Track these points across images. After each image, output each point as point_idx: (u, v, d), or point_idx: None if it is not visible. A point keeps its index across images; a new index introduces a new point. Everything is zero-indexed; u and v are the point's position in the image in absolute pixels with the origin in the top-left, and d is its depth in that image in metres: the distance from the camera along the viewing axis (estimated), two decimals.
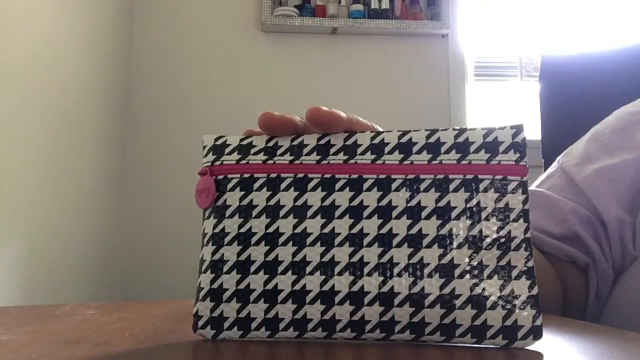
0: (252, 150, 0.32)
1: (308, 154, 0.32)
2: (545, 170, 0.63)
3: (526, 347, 0.29)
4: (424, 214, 0.30)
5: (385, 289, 0.29)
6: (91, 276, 1.79)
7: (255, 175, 0.32)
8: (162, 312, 0.41)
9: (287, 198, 0.31)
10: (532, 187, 0.60)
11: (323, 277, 0.29)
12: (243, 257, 0.30)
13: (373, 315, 0.29)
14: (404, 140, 0.31)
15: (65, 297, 1.58)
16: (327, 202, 0.31)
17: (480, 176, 0.30)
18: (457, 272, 0.29)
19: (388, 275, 0.29)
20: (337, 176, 0.31)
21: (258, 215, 0.31)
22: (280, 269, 0.30)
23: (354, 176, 0.31)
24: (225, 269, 0.30)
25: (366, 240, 0.30)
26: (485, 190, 0.30)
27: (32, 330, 0.33)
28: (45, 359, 0.26)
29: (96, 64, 1.82)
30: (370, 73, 2.28)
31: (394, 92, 2.27)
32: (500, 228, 0.30)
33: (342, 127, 0.32)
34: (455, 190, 0.30)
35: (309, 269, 0.30)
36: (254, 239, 0.31)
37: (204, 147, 0.34)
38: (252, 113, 2.00)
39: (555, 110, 0.97)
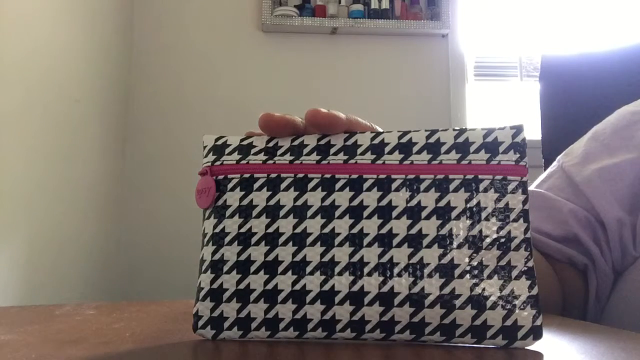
0: (253, 151, 0.32)
1: (308, 154, 0.32)
2: (545, 170, 0.63)
3: (526, 347, 0.29)
4: (424, 214, 0.30)
5: (385, 289, 0.29)
6: (91, 276, 1.79)
7: (256, 175, 0.32)
8: (162, 312, 0.41)
9: (287, 198, 0.31)
10: (532, 187, 0.60)
11: (323, 277, 0.29)
12: (243, 257, 0.30)
13: (373, 315, 0.29)
14: (404, 140, 0.31)
15: (65, 297, 1.58)
16: (327, 202, 0.31)
17: (480, 176, 0.30)
18: (457, 272, 0.29)
19: (388, 275, 0.29)
20: (337, 176, 0.31)
21: (258, 215, 0.31)
22: (280, 269, 0.30)
23: (354, 176, 0.31)
24: (226, 269, 0.30)
25: (366, 240, 0.30)
26: (485, 190, 0.30)
27: (32, 330, 0.33)
28: (45, 359, 0.26)
29: (96, 64, 1.82)
30: (370, 73, 2.28)
31: (394, 92, 2.27)
32: (500, 228, 0.30)
33: (342, 128, 0.32)
34: (455, 190, 0.30)
35: (309, 269, 0.30)
36: (254, 239, 0.31)
37: (204, 147, 0.34)
38: (252, 113, 2.00)
39: (555, 110, 0.97)
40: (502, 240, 0.30)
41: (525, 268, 0.30)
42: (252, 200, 0.31)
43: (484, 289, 0.29)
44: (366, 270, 0.29)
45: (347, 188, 0.31)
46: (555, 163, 0.61)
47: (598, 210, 0.51)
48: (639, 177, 0.51)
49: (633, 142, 0.54)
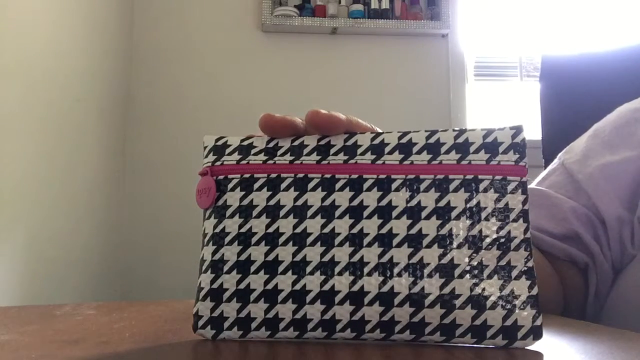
0: (253, 151, 0.32)
1: (308, 154, 0.32)
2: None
3: (526, 347, 0.29)
4: (424, 214, 0.30)
5: (385, 289, 0.29)
6: (91, 276, 1.79)
7: (256, 176, 0.32)
8: (162, 312, 0.41)
9: (287, 198, 0.31)
10: (533, 184, 0.60)
11: (323, 277, 0.30)
12: (243, 257, 0.30)
13: (373, 315, 0.29)
14: (404, 140, 0.31)
15: (65, 297, 1.58)
16: (327, 202, 0.31)
17: (480, 176, 0.30)
18: (457, 272, 0.29)
19: (388, 275, 0.29)
20: (337, 176, 0.31)
21: (258, 215, 0.31)
22: (281, 269, 0.30)
23: (354, 176, 0.31)
24: (226, 269, 0.31)
25: (366, 240, 0.30)
26: (485, 190, 0.30)
27: (32, 330, 0.33)
28: (45, 359, 0.26)
29: (96, 64, 1.82)
30: (370, 73, 2.28)
31: (394, 92, 2.27)
32: (500, 228, 0.30)
33: (342, 129, 0.32)
34: (455, 190, 0.30)
35: (309, 269, 0.30)
36: (254, 239, 0.31)
37: (205, 147, 0.34)
38: (252, 113, 2.00)
39: (555, 110, 0.97)
40: (502, 240, 0.30)
41: (525, 268, 0.30)
42: (252, 200, 0.31)
43: (484, 289, 0.29)
44: (366, 270, 0.29)
45: (347, 188, 0.31)
46: (556, 160, 0.61)
47: (599, 207, 0.51)
48: (639, 174, 0.51)
49: (634, 140, 0.54)
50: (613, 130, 0.57)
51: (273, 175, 0.32)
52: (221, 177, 0.32)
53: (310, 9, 2.20)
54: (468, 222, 0.30)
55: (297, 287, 0.30)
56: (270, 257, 0.30)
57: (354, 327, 0.29)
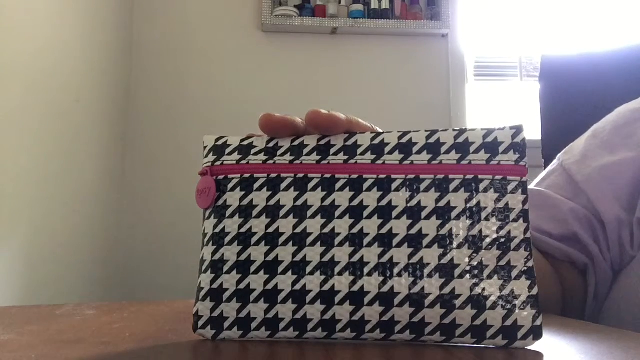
0: (253, 151, 0.32)
1: (308, 154, 0.32)
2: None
3: (526, 347, 0.29)
4: (424, 214, 0.30)
5: (385, 289, 0.29)
6: (91, 276, 1.79)
7: (256, 176, 0.32)
8: (162, 312, 0.41)
9: (287, 198, 0.31)
10: (532, 185, 0.60)
11: (323, 277, 0.30)
12: (243, 257, 0.30)
13: (373, 315, 0.29)
14: (404, 140, 0.31)
15: (65, 297, 1.58)
16: (327, 202, 0.31)
17: (480, 176, 0.30)
18: (457, 272, 0.29)
19: (388, 275, 0.29)
20: (337, 176, 0.31)
21: (258, 215, 0.31)
22: (281, 269, 0.30)
23: (354, 176, 0.31)
24: (226, 269, 0.31)
25: (366, 240, 0.30)
26: (485, 190, 0.30)
27: (32, 330, 0.33)
28: (45, 359, 0.26)
29: (96, 64, 1.82)
30: (370, 73, 2.28)
31: (393, 92, 2.27)
32: (500, 228, 0.30)
33: (342, 129, 0.32)
34: (455, 190, 0.30)
35: (309, 269, 0.30)
36: (254, 239, 0.31)
37: (205, 147, 0.34)
38: (252, 113, 2.00)
39: (555, 110, 0.97)
40: (502, 240, 0.30)
41: (525, 268, 0.30)
42: (252, 200, 0.31)
43: (484, 289, 0.29)
44: (366, 270, 0.29)
45: (347, 188, 0.31)
46: (555, 161, 0.61)
47: (598, 209, 0.51)
48: (638, 175, 0.51)
49: (633, 140, 0.54)
50: (612, 131, 0.57)
51: (273, 175, 0.32)
52: (221, 177, 0.32)
53: (310, 9, 2.20)
54: (468, 222, 0.30)
55: (297, 287, 0.30)
56: (270, 257, 0.30)
57: (354, 327, 0.29)
